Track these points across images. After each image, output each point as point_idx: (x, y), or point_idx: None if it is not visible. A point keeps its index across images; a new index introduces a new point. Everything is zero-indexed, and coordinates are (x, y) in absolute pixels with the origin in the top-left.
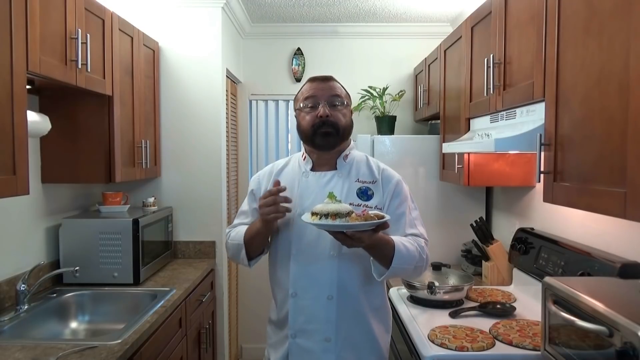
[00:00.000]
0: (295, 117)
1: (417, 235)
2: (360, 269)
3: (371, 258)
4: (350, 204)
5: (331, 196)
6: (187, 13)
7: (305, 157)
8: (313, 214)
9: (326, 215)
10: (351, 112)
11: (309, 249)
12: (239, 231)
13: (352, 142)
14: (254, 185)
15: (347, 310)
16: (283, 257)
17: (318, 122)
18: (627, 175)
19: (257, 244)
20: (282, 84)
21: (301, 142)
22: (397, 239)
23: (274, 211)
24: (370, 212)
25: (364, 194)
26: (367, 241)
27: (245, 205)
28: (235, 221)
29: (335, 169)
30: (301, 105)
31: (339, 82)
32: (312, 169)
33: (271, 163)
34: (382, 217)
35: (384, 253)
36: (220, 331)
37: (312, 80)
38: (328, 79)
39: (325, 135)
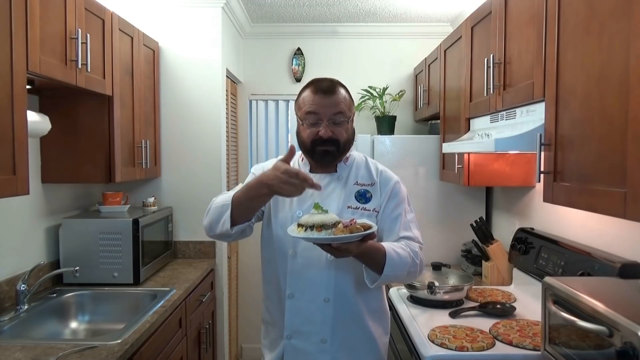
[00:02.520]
0: (297, 119)
1: (411, 239)
2: (357, 272)
3: (363, 265)
4: (348, 207)
5: (317, 207)
6: (187, 13)
7: (303, 158)
8: (299, 225)
9: (312, 226)
10: (353, 119)
11: (306, 251)
12: (227, 193)
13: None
14: (258, 172)
15: (343, 312)
16: (280, 258)
17: (318, 139)
18: (627, 175)
19: (249, 207)
20: (282, 84)
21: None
22: (388, 245)
23: (294, 192)
24: (358, 220)
25: (363, 196)
26: (355, 251)
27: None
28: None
29: (335, 171)
30: (302, 119)
31: (343, 88)
32: (311, 170)
33: (271, 159)
34: (370, 227)
35: (375, 260)
36: (220, 331)
37: (315, 91)
38: (332, 92)
39: (324, 154)
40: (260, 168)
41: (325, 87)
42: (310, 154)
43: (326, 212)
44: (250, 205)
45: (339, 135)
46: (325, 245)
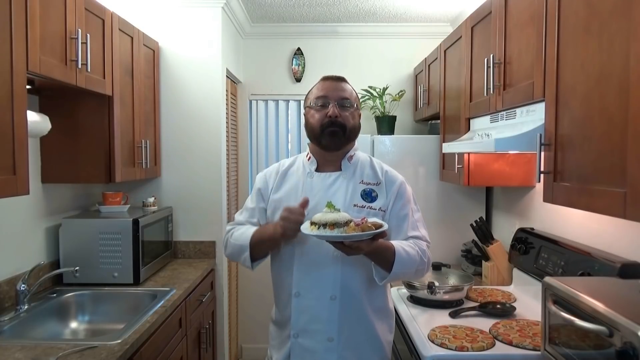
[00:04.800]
0: (305, 114)
1: (419, 238)
2: (363, 270)
3: (372, 263)
4: (354, 206)
5: (329, 205)
6: (187, 13)
7: (309, 157)
8: (312, 223)
9: (324, 224)
10: (359, 115)
11: (312, 249)
12: (244, 232)
13: (355, 142)
14: (261, 184)
15: (350, 310)
16: (287, 258)
17: (327, 122)
18: (627, 175)
19: (266, 249)
20: (282, 84)
21: (304, 142)
22: (397, 243)
23: (295, 229)
24: (369, 219)
25: (368, 195)
26: (366, 249)
27: (250, 203)
28: (238, 217)
29: (340, 169)
30: (311, 103)
31: (350, 85)
32: (317, 170)
33: (277, 162)
34: (381, 225)
35: (384, 258)
36: (220, 331)
37: (325, 79)
38: (340, 80)
39: (332, 135)
40: (263, 180)
41: (334, 76)
42: (318, 139)
43: (338, 211)
44: (266, 246)
45: (346, 119)
46: (338, 243)
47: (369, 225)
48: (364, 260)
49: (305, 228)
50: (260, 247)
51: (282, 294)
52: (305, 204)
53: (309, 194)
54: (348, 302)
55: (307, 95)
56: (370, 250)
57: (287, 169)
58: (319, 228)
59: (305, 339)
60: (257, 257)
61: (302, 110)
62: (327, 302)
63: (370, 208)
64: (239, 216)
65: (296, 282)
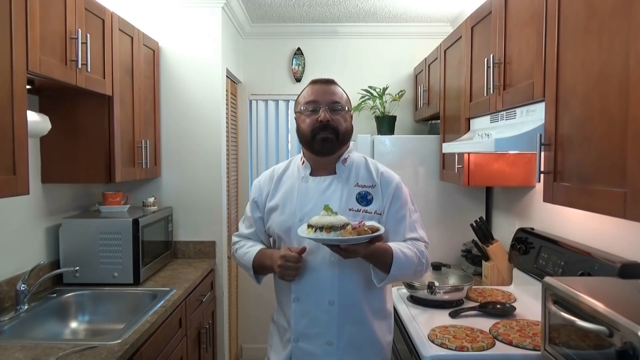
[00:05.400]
0: (295, 119)
1: (417, 239)
2: (361, 273)
3: (371, 265)
4: (350, 210)
5: (327, 208)
6: (187, 13)
7: (303, 161)
8: (309, 226)
9: (321, 227)
10: (351, 117)
11: (310, 255)
12: (247, 253)
13: (351, 143)
14: (256, 193)
15: (348, 314)
16: None
17: (318, 126)
18: (627, 175)
19: (266, 273)
20: (282, 84)
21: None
22: (395, 245)
23: (293, 275)
24: (366, 222)
25: (364, 198)
26: (363, 253)
27: (248, 212)
28: (241, 226)
29: (334, 173)
30: (302, 108)
31: (340, 87)
32: (311, 174)
33: (272, 167)
34: (377, 229)
35: (382, 261)
36: (220, 331)
37: (314, 83)
38: (330, 83)
39: (324, 141)
40: (257, 188)
41: (323, 80)
42: (310, 144)
43: (335, 214)
44: (266, 272)
45: (337, 123)
46: (334, 246)
47: (366, 229)
48: (361, 263)
49: (302, 231)
50: (261, 271)
51: (283, 298)
52: (303, 250)
53: (304, 198)
54: (346, 306)
55: (296, 99)
56: (367, 254)
57: (282, 174)
58: (315, 231)
59: (305, 343)
60: (260, 274)
61: (294, 115)
62: (326, 307)
63: (366, 212)
64: (241, 225)
65: (295, 287)
